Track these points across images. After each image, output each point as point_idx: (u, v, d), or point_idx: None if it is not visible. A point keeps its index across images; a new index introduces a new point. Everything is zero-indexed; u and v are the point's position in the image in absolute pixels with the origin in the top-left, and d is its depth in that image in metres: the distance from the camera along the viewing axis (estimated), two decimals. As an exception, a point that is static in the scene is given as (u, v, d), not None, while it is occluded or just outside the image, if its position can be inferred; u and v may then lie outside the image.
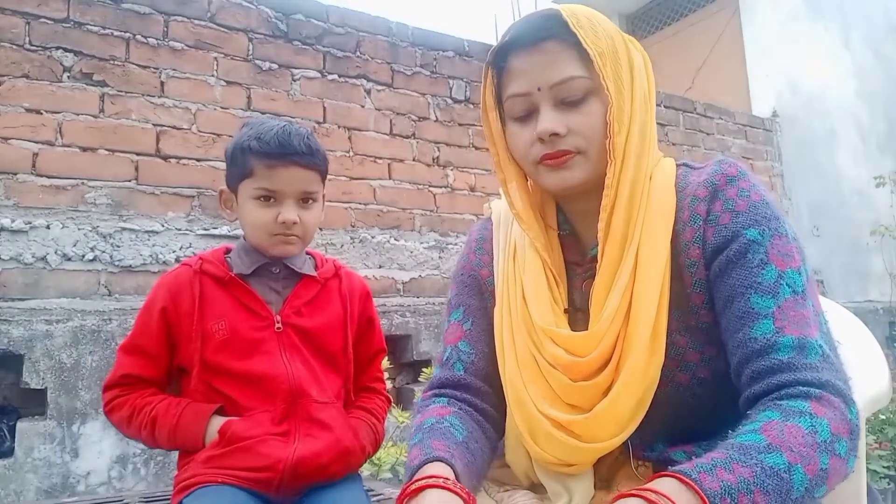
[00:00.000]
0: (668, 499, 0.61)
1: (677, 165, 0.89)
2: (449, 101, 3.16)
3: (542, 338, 0.86)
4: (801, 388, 0.71)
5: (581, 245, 0.93)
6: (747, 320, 0.76)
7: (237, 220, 1.24)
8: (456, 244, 3.06)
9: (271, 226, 1.18)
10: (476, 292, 1.00)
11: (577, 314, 0.90)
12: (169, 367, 1.21)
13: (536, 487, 0.90)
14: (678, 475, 0.63)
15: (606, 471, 0.88)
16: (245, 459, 1.11)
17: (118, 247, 2.21)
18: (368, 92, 2.92)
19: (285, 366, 1.18)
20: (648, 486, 0.64)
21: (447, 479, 0.75)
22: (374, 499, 1.38)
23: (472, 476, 0.85)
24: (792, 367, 0.72)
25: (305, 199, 1.21)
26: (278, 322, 1.20)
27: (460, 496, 0.73)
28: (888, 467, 2.68)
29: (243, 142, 1.19)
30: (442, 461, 0.78)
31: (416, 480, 0.75)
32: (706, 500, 0.61)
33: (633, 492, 0.63)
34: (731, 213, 0.80)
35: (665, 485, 0.63)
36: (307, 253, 1.31)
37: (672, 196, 0.84)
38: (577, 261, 0.92)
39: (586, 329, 0.84)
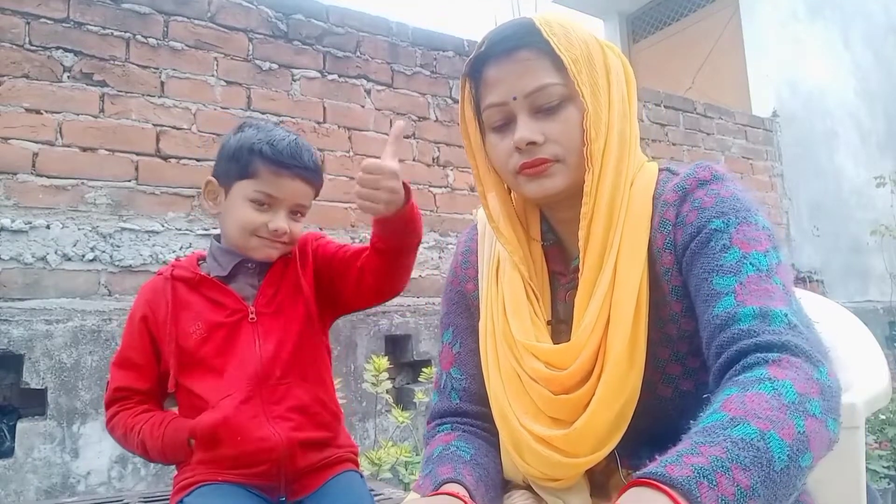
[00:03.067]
0: None
1: (660, 170, 0.88)
2: (449, 101, 3.16)
3: (522, 352, 0.84)
4: (758, 354, 0.66)
5: (566, 255, 0.92)
6: (710, 301, 0.73)
7: (218, 214, 1.26)
8: (456, 244, 3.06)
9: (261, 230, 1.20)
10: (464, 309, 0.99)
11: (561, 326, 0.88)
12: (158, 375, 1.23)
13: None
14: (644, 480, 0.56)
15: (600, 477, 0.87)
16: (231, 447, 1.13)
17: (118, 247, 2.21)
18: (368, 92, 2.92)
19: (257, 351, 1.21)
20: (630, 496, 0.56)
21: (456, 494, 0.76)
22: (375, 498, 1.38)
23: (489, 488, 0.85)
24: (752, 333, 0.68)
25: (296, 212, 1.25)
26: (252, 313, 1.22)
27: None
28: (888, 467, 2.68)
29: (253, 143, 1.19)
30: (451, 482, 0.78)
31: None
32: (678, 490, 0.53)
33: None
34: (698, 210, 0.79)
35: (630, 497, 0.55)
36: None
37: (649, 203, 0.83)
38: (562, 271, 0.91)
39: (569, 341, 0.82)
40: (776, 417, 0.59)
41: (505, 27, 0.85)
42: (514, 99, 0.83)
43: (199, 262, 1.29)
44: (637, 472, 0.57)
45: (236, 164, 1.21)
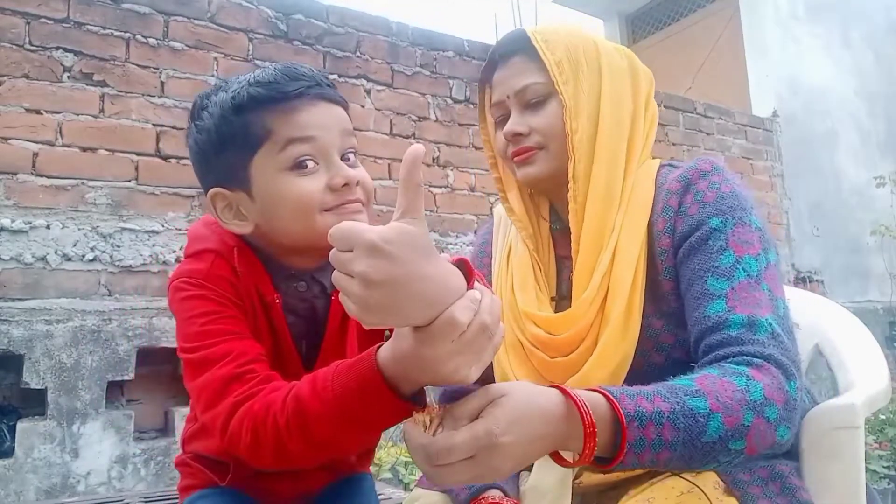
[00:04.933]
0: (584, 404, 0.64)
1: (662, 165, 0.96)
2: (449, 101, 3.16)
3: (524, 320, 0.93)
4: (744, 357, 0.75)
5: (571, 240, 0.99)
6: (703, 300, 0.81)
7: (256, 227, 0.85)
8: (456, 244, 3.07)
9: (325, 197, 0.81)
10: None
11: (564, 302, 0.96)
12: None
13: None
14: (602, 390, 0.68)
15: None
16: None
17: (118, 247, 2.21)
18: (368, 92, 2.92)
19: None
20: (577, 390, 0.67)
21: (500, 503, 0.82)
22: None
23: (514, 476, 0.90)
24: (740, 341, 0.76)
25: (347, 155, 0.85)
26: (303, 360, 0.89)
27: None
28: (888, 467, 2.68)
29: (235, 100, 0.81)
30: (490, 488, 0.84)
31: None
32: (621, 416, 0.65)
33: (561, 387, 0.66)
34: (700, 203, 0.86)
35: (590, 394, 0.67)
36: None
37: (651, 190, 0.91)
38: (567, 255, 0.97)
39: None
40: (731, 406, 0.69)
41: (506, 37, 0.98)
42: (508, 98, 0.95)
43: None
44: (603, 386, 0.69)
45: (232, 142, 0.82)
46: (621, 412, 0.65)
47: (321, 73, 0.87)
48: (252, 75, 0.83)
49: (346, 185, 0.81)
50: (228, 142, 0.82)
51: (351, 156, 0.85)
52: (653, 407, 0.67)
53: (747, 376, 0.72)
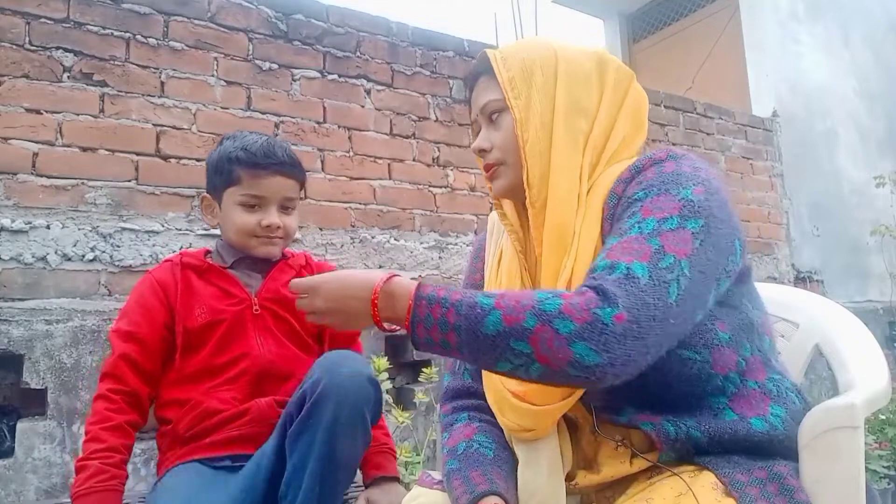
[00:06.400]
0: (382, 279, 0.81)
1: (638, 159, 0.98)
2: (449, 101, 3.16)
3: None
4: (579, 287, 0.78)
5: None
6: (596, 258, 0.84)
7: (218, 225, 1.36)
8: (456, 244, 3.07)
9: (256, 229, 1.29)
10: None
11: None
12: (161, 358, 1.27)
13: None
14: (413, 287, 0.81)
15: (588, 449, 0.95)
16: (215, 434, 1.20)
17: (118, 247, 2.21)
18: (368, 92, 2.92)
19: (259, 347, 1.25)
20: (402, 277, 0.83)
21: None
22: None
23: (511, 476, 0.93)
24: (593, 280, 0.78)
25: (286, 207, 1.32)
26: (255, 305, 1.30)
27: None
28: (888, 467, 2.68)
29: (230, 153, 1.29)
30: (490, 494, 0.86)
31: None
32: (414, 294, 0.79)
33: (392, 273, 0.82)
34: (639, 185, 0.87)
35: (406, 280, 0.82)
36: None
37: (610, 184, 0.92)
38: None
39: None
40: (514, 307, 0.75)
41: (477, 59, 1.05)
42: (477, 116, 1.03)
43: (206, 255, 1.37)
44: (415, 287, 0.81)
45: (220, 175, 1.31)
46: (414, 291, 0.80)
47: (289, 154, 1.32)
48: (248, 140, 1.29)
49: (268, 226, 1.29)
50: (218, 173, 1.32)
51: (290, 207, 1.33)
52: (446, 294, 0.78)
53: (554, 294, 0.76)
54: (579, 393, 0.88)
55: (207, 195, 1.37)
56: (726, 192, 0.88)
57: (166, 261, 1.35)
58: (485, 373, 1.00)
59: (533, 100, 0.95)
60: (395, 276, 0.83)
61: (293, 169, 1.33)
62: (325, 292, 0.86)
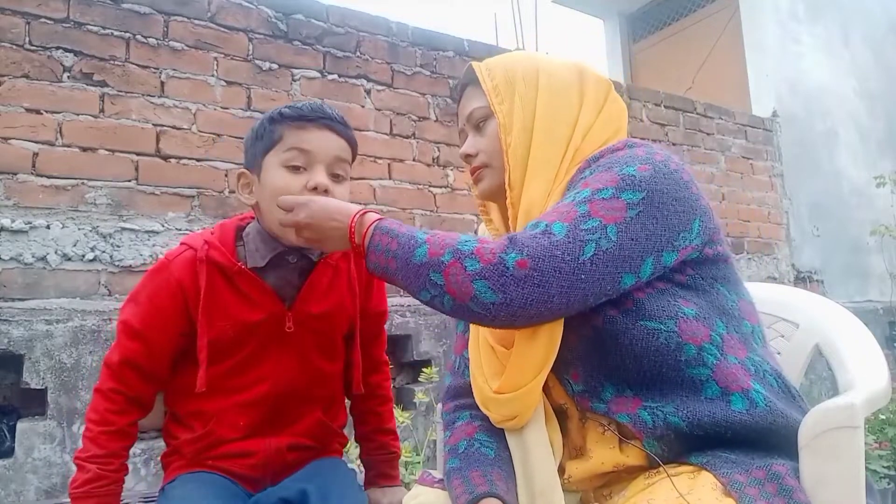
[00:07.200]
0: (359, 211, 0.93)
1: None
2: (449, 101, 3.16)
3: None
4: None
5: None
6: None
7: (255, 204, 1.14)
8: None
9: (302, 193, 1.05)
10: None
11: None
12: (169, 365, 1.17)
13: None
14: (376, 218, 0.92)
15: (577, 437, 0.96)
16: (226, 450, 1.14)
17: (118, 247, 2.21)
18: (368, 92, 2.92)
19: (282, 370, 1.16)
20: (375, 213, 0.93)
21: None
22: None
23: (511, 476, 0.94)
24: (513, 236, 0.84)
25: (336, 174, 1.11)
26: (289, 322, 1.14)
27: None
28: (888, 467, 2.68)
29: (271, 115, 1.12)
30: (488, 496, 0.87)
31: None
32: (374, 224, 0.91)
33: (365, 209, 0.94)
34: (590, 169, 0.92)
35: (376, 215, 0.93)
36: None
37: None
38: None
39: None
40: (438, 243, 0.84)
41: (464, 72, 1.08)
42: (465, 125, 1.07)
43: (237, 243, 1.15)
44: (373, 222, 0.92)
45: (261, 140, 1.11)
46: (375, 221, 0.91)
47: (339, 114, 1.15)
48: (293, 102, 1.13)
49: (314, 188, 1.07)
50: (258, 139, 1.12)
51: (340, 174, 1.12)
52: (396, 227, 0.89)
53: (474, 237, 0.86)
54: (546, 370, 0.91)
55: (246, 170, 1.15)
56: (688, 176, 0.90)
57: (189, 248, 1.13)
58: (471, 375, 1.03)
59: (515, 106, 1.00)
60: (369, 210, 0.94)
61: (344, 128, 1.13)
62: (310, 210, 0.96)
